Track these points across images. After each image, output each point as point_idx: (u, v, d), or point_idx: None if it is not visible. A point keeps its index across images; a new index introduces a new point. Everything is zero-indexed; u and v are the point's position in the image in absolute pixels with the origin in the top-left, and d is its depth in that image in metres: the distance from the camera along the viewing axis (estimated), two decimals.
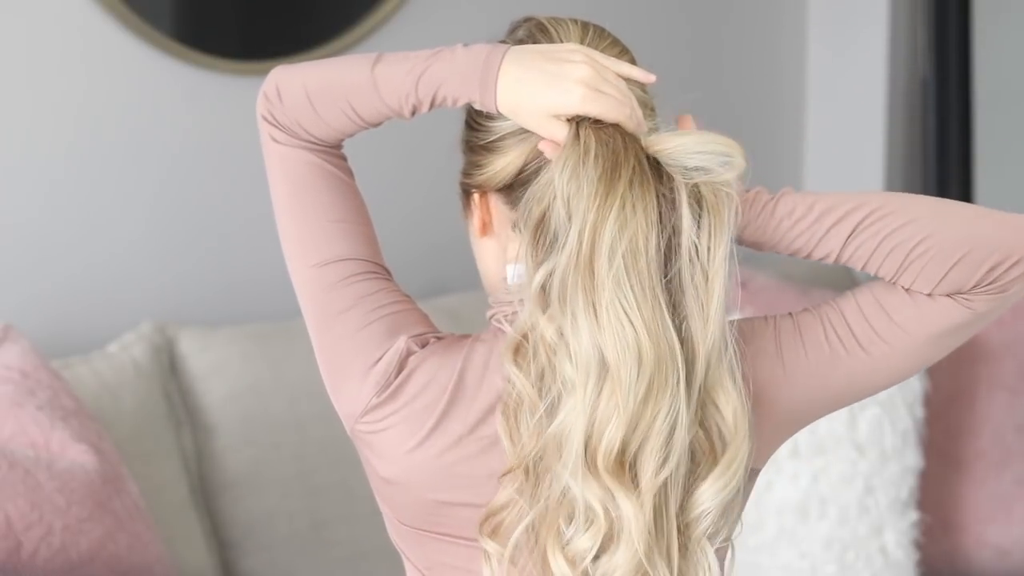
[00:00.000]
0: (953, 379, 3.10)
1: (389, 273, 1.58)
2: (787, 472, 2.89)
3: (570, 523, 1.44)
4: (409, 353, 1.52)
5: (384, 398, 1.52)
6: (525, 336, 1.46)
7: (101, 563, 2.33)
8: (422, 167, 3.06)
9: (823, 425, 2.89)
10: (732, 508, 1.47)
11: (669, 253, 1.42)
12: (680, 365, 1.41)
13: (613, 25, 1.59)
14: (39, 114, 2.82)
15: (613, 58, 1.49)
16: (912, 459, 2.92)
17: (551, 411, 1.44)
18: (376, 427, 1.52)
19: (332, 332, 1.55)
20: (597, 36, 1.54)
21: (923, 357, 1.53)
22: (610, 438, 1.41)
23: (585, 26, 1.54)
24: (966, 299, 1.49)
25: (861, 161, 3.68)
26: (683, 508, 1.44)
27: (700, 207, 1.43)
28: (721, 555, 1.51)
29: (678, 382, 1.41)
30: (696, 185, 1.43)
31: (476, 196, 1.56)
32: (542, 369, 1.45)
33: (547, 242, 1.44)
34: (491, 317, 1.55)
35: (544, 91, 1.46)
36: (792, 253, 1.53)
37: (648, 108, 1.52)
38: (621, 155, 1.43)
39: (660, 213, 1.42)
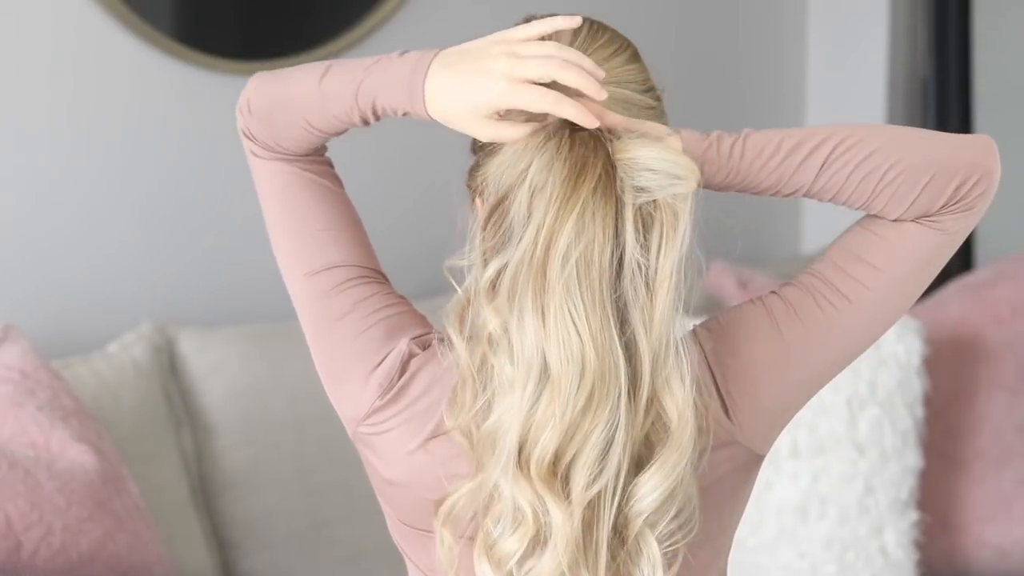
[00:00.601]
0: (953, 379, 3.10)
1: (384, 276, 1.58)
2: (787, 472, 2.89)
3: (498, 523, 1.43)
4: (411, 355, 1.52)
5: (387, 400, 1.51)
6: (469, 301, 1.45)
7: (101, 563, 2.33)
8: (422, 165, 3.06)
9: (823, 425, 2.89)
10: (682, 508, 1.44)
11: (620, 267, 1.40)
12: (623, 381, 1.39)
13: (613, 25, 1.59)
14: (38, 114, 2.82)
15: (554, 44, 1.44)
16: (912, 459, 2.92)
17: (487, 406, 1.43)
18: (379, 428, 1.52)
19: (330, 338, 1.54)
20: (591, 35, 1.51)
21: (908, 292, 1.55)
22: (544, 445, 1.40)
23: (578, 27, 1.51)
24: (934, 221, 1.51)
25: None
26: (621, 508, 1.42)
27: (647, 223, 1.41)
28: (670, 559, 1.47)
29: (619, 397, 1.39)
30: (643, 204, 1.41)
31: (478, 200, 1.56)
32: (481, 358, 1.44)
33: (502, 230, 1.43)
34: None
35: (468, 92, 1.42)
36: (761, 192, 1.51)
37: (642, 108, 1.50)
38: (590, 159, 1.41)
39: (616, 226, 1.40)
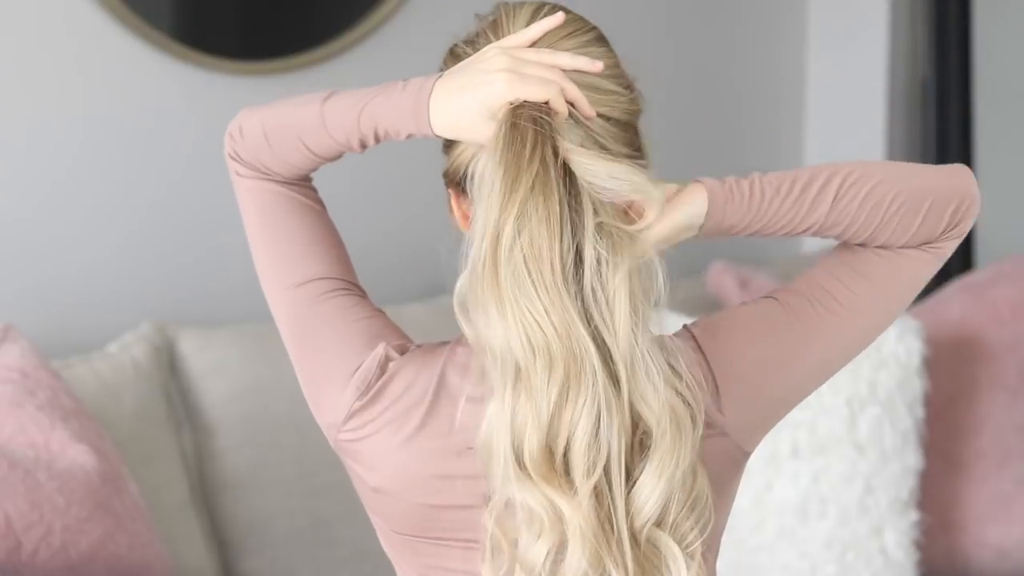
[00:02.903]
0: (953, 379, 3.10)
1: (363, 292, 1.60)
2: (787, 472, 2.89)
3: (523, 533, 1.43)
4: (388, 359, 1.53)
5: (366, 402, 1.52)
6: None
7: (101, 563, 2.33)
8: (423, 166, 3.06)
9: (823, 425, 2.89)
10: (695, 505, 1.44)
11: (580, 261, 1.41)
12: (598, 366, 1.39)
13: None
14: (39, 114, 2.82)
15: (547, 50, 1.47)
16: (912, 459, 2.92)
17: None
18: (360, 434, 1.53)
19: (310, 346, 1.57)
20: (554, 20, 1.51)
21: (897, 309, 1.60)
22: (530, 443, 1.40)
23: (538, 9, 1.52)
24: (935, 247, 1.57)
25: None
26: (628, 503, 1.42)
27: (603, 239, 1.42)
28: (707, 555, 1.49)
29: (595, 383, 1.39)
30: (602, 223, 1.42)
31: (450, 190, 1.57)
32: (481, 367, 1.45)
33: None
34: None
35: (471, 94, 1.45)
36: (774, 232, 1.53)
37: (606, 92, 1.50)
38: (526, 157, 1.41)
39: (563, 222, 1.40)
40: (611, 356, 1.40)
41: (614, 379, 1.40)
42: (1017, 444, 3.07)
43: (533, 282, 1.39)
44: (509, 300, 1.39)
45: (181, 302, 2.97)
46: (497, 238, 1.40)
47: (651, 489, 1.41)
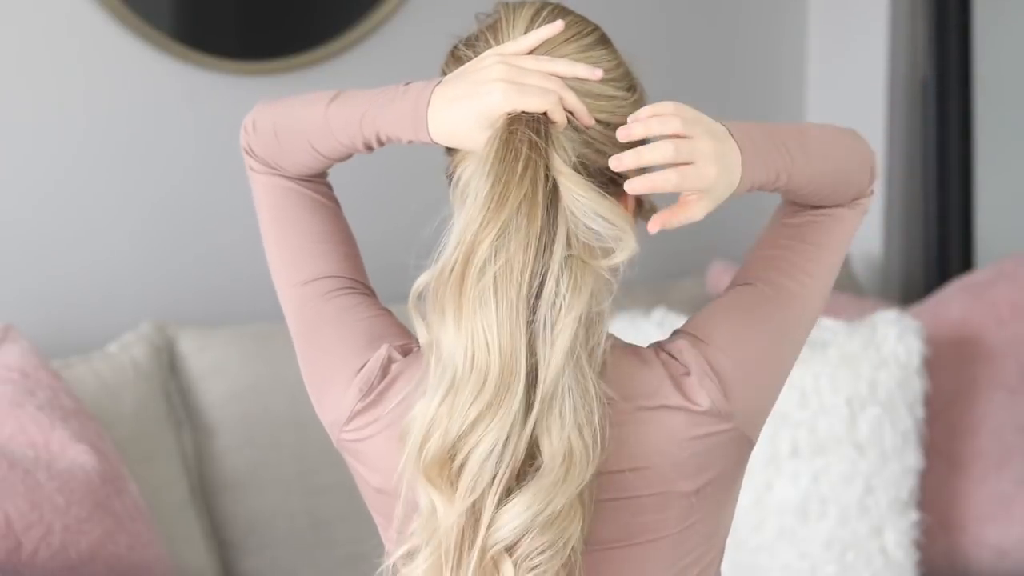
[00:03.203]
0: (953, 379, 3.10)
1: (372, 291, 1.60)
2: (787, 472, 2.89)
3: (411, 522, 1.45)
4: (391, 360, 1.53)
5: (368, 403, 1.52)
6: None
7: (101, 563, 2.33)
8: (430, 163, 3.06)
9: (823, 425, 2.89)
10: (554, 544, 1.42)
11: (540, 290, 1.40)
12: (520, 396, 1.39)
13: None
14: (39, 114, 2.82)
15: (546, 58, 1.46)
16: (912, 459, 2.92)
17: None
18: (362, 434, 1.53)
19: (315, 344, 1.57)
20: (552, 21, 1.50)
21: (839, 265, 1.63)
22: (433, 446, 1.41)
23: (538, 11, 1.51)
24: (861, 203, 1.62)
25: None
26: (493, 518, 1.41)
27: (566, 274, 1.41)
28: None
29: (510, 414, 1.39)
30: (570, 256, 1.41)
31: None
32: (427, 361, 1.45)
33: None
34: None
35: (468, 104, 1.44)
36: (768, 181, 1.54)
37: (606, 97, 1.49)
38: (517, 173, 1.41)
39: (538, 251, 1.40)
40: (535, 387, 1.40)
41: (528, 408, 1.40)
42: (1017, 444, 3.07)
43: (496, 303, 1.39)
44: (468, 313, 1.39)
45: (181, 302, 2.97)
46: (472, 250, 1.40)
47: (513, 516, 1.41)
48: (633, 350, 1.51)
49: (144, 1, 2.88)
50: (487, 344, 1.39)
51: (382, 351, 1.53)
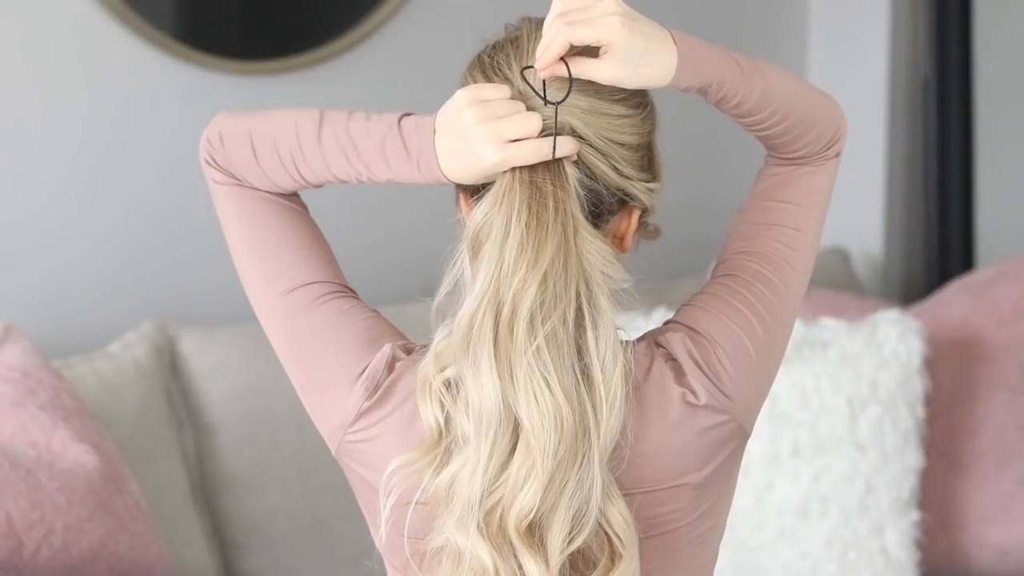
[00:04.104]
0: (954, 379, 3.10)
1: (355, 293, 1.59)
2: (788, 472, 2.89)
3: (455, 569, 1.44)
4: (396, 358, 1.53)
5: (374, 401, 1.52)
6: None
7: (102, 562, 2.33)
8: None
9: (824, 425, 2.89)
10: None
11: (581, 339, 1.43)
12: (595, 441, 1.42)
13: None
14: (40, 114, 2.82)
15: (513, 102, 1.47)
16: (913, 459, 2.92)
17: (444, 459, 1.45)
18: (367, 435, 1.52)
19: (308, 352, 1.55)
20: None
21: (819, 228, 1.61)
22: (524, 502, 1.41)
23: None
24: (826, 157, 1.60)
25: (861, 161, 3.69)
26: None
27: (601, 319, 1.44)
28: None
29: (588, 455, 1.42)
30: (595, 293, 1.44)
31: (460, 193, 1.56)
32: (447, 413, 1.45)
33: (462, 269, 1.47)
34: None
35: (468, 165, 1.46)
36: (728, 94, 1.54)
37: (614, 117, 1.50)
38: (548, 223, 1.43)
39: (579, 302, 1.43)
40: (596, 438, 1.42)
41: (599, 463, 1.43)
42: (1017, 444, 3.07)
43: (550, 350, 1.41)
44: (526, 365, 1.40)
45: (182, 302, 2.97)
46: (517, 301, 1.41)
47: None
48: (634, 349, 1.52)
49: (145, 1, 2.88)
50: (551, 391, 1.40)
51: (386, 349, 1.53)
